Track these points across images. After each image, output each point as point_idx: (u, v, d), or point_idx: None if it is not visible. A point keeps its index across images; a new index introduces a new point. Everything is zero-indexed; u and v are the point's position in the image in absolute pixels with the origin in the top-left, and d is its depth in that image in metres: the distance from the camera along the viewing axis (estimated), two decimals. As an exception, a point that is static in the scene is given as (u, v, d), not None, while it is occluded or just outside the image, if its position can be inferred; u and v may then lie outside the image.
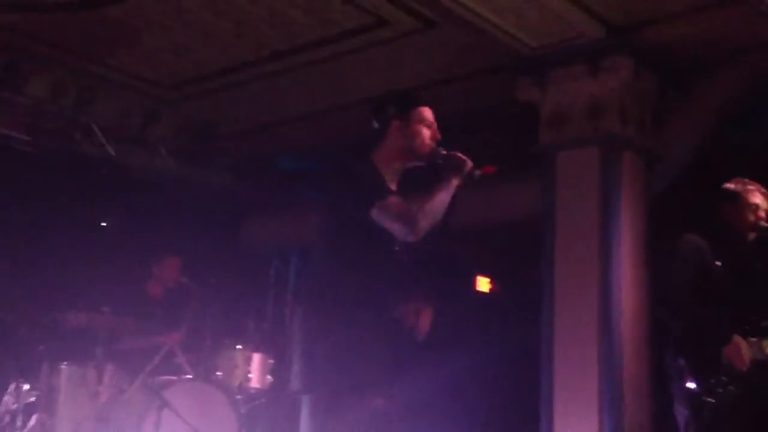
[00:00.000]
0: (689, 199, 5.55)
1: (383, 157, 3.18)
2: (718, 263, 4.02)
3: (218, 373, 5.54)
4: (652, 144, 5.95)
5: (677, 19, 5.42)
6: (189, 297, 5.76)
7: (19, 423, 5.13)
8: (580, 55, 5.72)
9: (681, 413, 3.91)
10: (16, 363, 5.33)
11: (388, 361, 3.02)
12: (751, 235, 4.14)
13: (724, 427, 3.78)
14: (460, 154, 3.10)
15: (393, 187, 3.16)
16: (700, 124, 6.03)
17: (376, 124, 3.22)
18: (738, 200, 4.12)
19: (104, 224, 7.37)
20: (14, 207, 6.41)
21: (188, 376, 5.30)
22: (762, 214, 4.13)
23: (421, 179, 3.15)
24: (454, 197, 3.06)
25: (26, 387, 5.22)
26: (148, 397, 4.98)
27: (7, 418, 5.16)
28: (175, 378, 5.23)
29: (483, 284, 7.43)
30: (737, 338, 3.82)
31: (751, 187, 4.15)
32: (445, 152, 3.13)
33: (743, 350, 3.81)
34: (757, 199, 4.13)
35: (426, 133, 3.17)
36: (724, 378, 3.78)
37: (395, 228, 2.99)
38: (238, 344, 5.75)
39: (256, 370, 5.70)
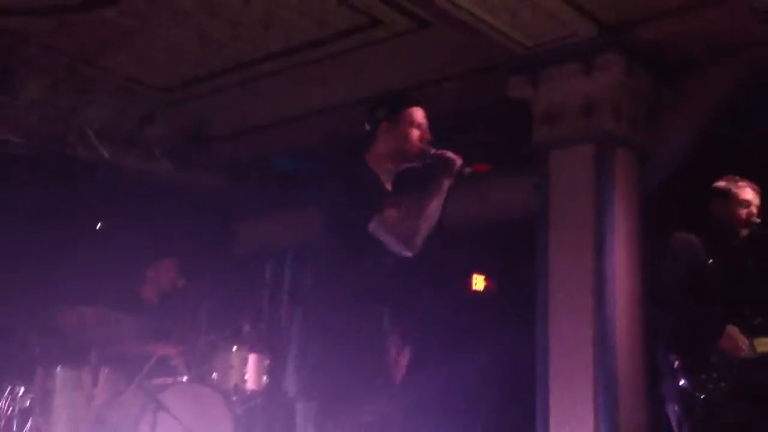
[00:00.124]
0: (683, 196, 5.56)
1: (375, 159, 3.20)
2: (711, 261, 4.03)
3: (214, 375, 5.54)
4: (646, 141, 5.96)
5: (669, 17, 5.43)
6: (186, 301, 5.75)
7: (15, 427, 5.13)
8: (573, 54, 5.73)
9: (673, 411, 3.92)
10: (11, 367, 5.32)
11: (378, 370, 3.03)
12: (744, 232, 4.15)
13: (716, 424, 3.79)
14: (449, 153, 3.09)
15: (389, 187, 3.18)
16: (694, 121, 6.04)
17: (367, 127, 3.24)
18: (729, 197, 4.14)
19: (99, 226, 7.36)
20: (7, 210, 6.40)
21: (184, 378, 5.30)
22: (754, 210, 4.14)
23: (417, 180, 3.16)
24: (445, 197, 3.07)
25: (21, 391, 5.22)
26: (143, 399, 4.97)
27: (2, 423, 5.16)
28: (170, 380, 5.23)
29: (478, 283, 7.44)
30: (730, 328, 3.82)
31: (741, 184, 4.17)
32: (434, 152, 3.13)
33: (738, 338, 3.81)
34: (748, 195, 4.14)
35: (414, 134, 3.17)
36: (714, 374, 3.79)
37: (392, 243, 3.00)
38: (233, 345, 5.75)
39: (251, 372, 5.69)
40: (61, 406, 5.01)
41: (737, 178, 4.20)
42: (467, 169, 3.09)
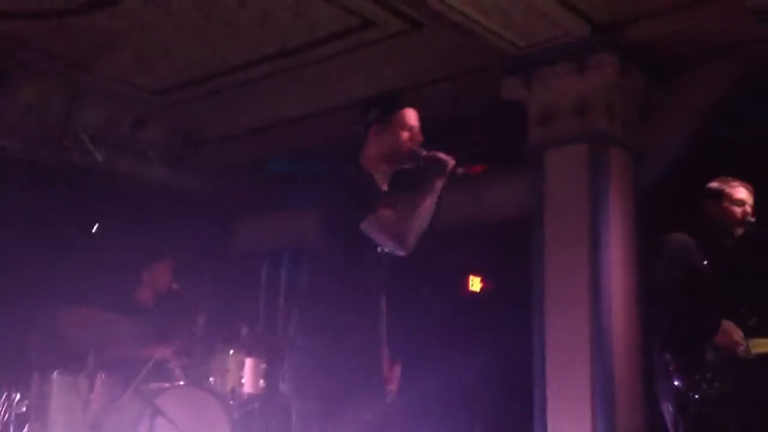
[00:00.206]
0: (677, 195, 5.57)
1: (369, 161, 3.21)
2: (705, 262, 4.02)
3: (211, 379, 5.52)
4: (640, 140, 5.98)
5: (661, 16, 5.44)
6: (181, 305, 5.74)
7: (11, 433, 5.13)
8: (566, 54, 5.74)
9: (667, 410, 3.92)
10: (8, 372, 5.31)
11: (375, 368, 3.03)
12: (739, 231, 4.15)
13: (709, 424, 3.79)
14: (440, 154, 3.09)
15: (384, 187, 3.19)
16: (687, 120, 6.05)
17: (361, 129, 3.24)
18: (723, 197, 4.14)
19: (95, 229, 7.35)
20: (3, 214, 6.39)
21: (180, 383, 5.29)
22: (748, 209, 4.14)
23: (412, 180, 3.16)
24: (438, 198, 3.07)
25: (18, 396, 5.21)
26: (140, 404, 4.95)
27: (-2, 429, 5.16)
28: (167, 384, 5.22)
29: (475, 284, 7.44)
30: (725, 323, 3.82)
31: (734, 184, 4.17)
32: (425, 153, 3.13)
33: (734, 332, 3.80)
34: (741, 194, 4.14)
35: (404, 135, 3.17)
36: (709, 375, 3.79)
37: (385, 241, 3.01)
38: (230, 349, 5.73)
39: (248, 375, 5.67)
40: (57, 412, 5.00)
41: (729, 178, 4.20)
42: (460, 170, 3.09)
